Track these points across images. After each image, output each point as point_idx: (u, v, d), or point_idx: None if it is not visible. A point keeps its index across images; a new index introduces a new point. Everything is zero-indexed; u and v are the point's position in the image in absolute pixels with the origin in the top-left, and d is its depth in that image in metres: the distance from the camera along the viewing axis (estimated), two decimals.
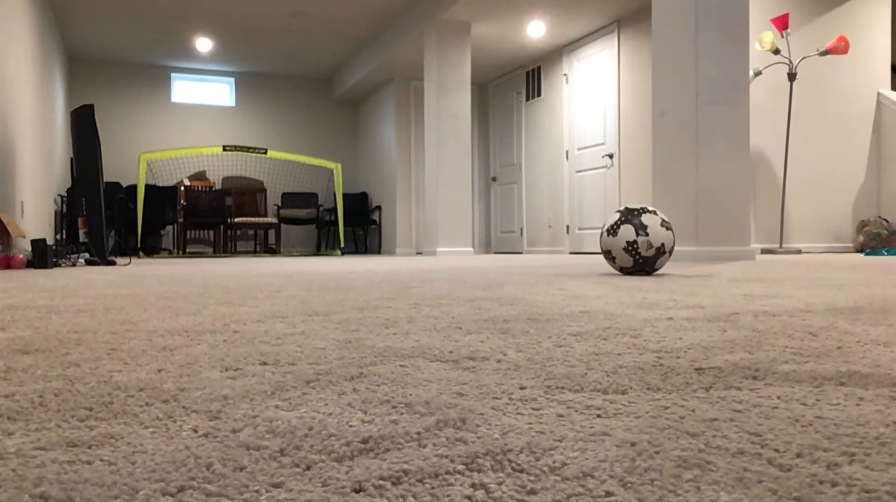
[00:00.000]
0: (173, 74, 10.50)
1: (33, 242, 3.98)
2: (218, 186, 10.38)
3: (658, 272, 2.80)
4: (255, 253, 10.02)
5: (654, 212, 2.64)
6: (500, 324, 1.07)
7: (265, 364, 0.75)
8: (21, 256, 3.99)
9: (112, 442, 0.46)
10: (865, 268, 3.01)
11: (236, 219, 9.28)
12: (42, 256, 3.98)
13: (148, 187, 8.43)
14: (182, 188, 9.18)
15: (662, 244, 2.58)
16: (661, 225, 2.61)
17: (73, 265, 4.48)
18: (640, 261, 2.59)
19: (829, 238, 6.68)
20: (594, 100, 8.03)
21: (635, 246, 2.57)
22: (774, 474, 0.38)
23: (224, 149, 8.17)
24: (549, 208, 8.90)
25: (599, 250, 7.95)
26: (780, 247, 6.07)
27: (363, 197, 10.93)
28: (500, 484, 0.37)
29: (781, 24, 5.94)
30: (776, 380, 0.63)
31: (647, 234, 2.57)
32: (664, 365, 0.72)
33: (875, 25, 6.96)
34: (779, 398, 0.56)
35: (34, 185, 6.38)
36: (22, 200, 5.63)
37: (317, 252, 10.53)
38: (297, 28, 8.66)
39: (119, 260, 5.93)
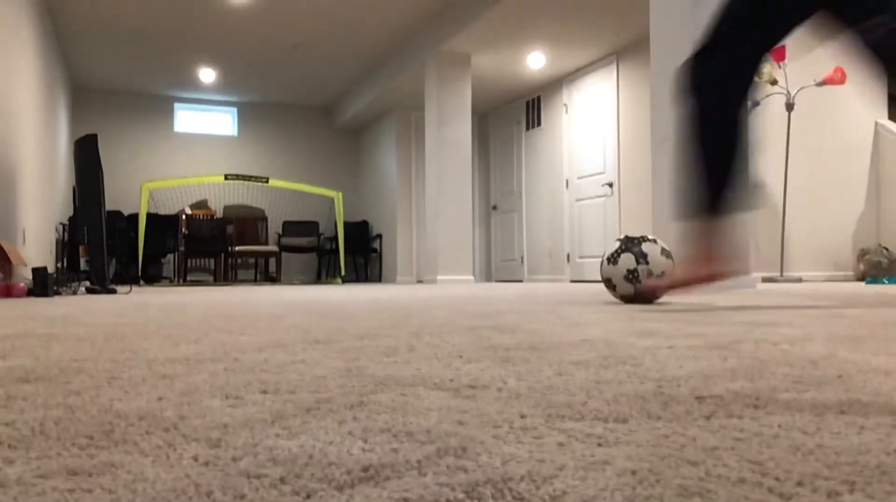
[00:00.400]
0: (176, 104, 10.60)
1: (34, 270, 3.99)
2: (219, 215, 10.42)
3: (659, 300, 2.79)
4: (255, 281, 10.02)
5: (654, 241, 2.65)
6: (500, 353, 1.07)
7: (265, 392, 0.75)
8: (22, 284, 3.99)
9: (113, 470, 0.46)
10: (866, 296, 3.00)
11: (237, 248, 9.29)
12: (43, 284, 3.98)
13: (149, 216, 8.46)
14: (183, 216, 9.21)
15: (663, 272, 2.59)
16: (662, 253, 2.62)
17: (74, 293, 4.48)
18: None
19: (829, 266, 6.68)
20: (594, 129, 8.09)
21: (636, 274, 2.58)
22: None
23: (226, 178, 8.22)
24: (549, 237, 8.92)
25: (600, 279, 7.95)
26: (781, 275, 6.07)
27: (364, 225, 10.95)
28: None
29: (779, 55, 6.01)
30: (777, 409, 0.63)
31: (647, 263, 2.58)
32: (665, 393, 0.72)
33: None
34: (780, 426, 0.56)
35: (36, 214, 6.40)
36: (24, 228, 5.65)
37: (317, 280, 10.52)
38: (299, 59, 8.76)
39: (120, 288, 5.93)
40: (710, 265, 1.96)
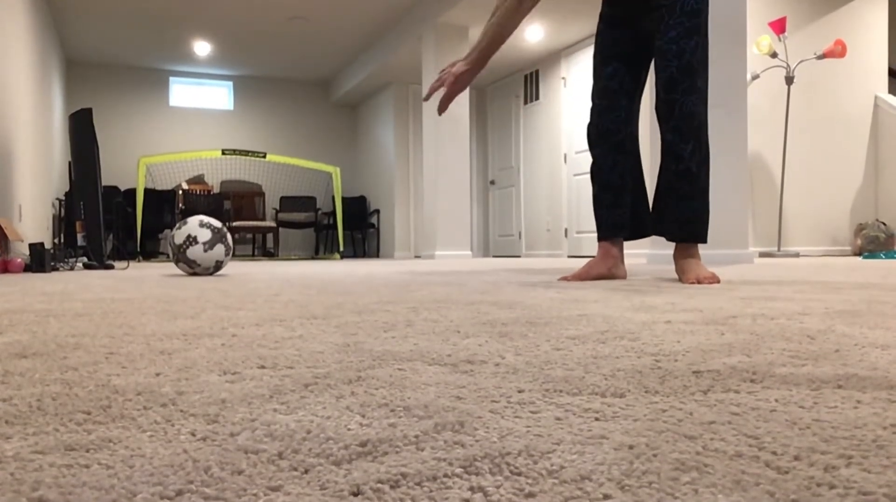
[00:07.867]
0: (172, 78, 10.50)
1: (31, 246, 3.98)
2: (216, 190, 10.38)
3: (655, 275, 2.80)
4: (253, 256, 10.02)
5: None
6: (498, 328, 1.07)
7: (263, 367, 0.75)
8: (19, 260, 3.98)
9: (110, 445, 0.46)
10: (863, 271, 3.01)
11: (234, 223, 9.27)
12: (40, 260, 3.97)
13: (146, 191, 8.43)
14: (180, 192, 9.17)
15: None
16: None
17: (71, 269, 4.47)
18: None
19: (826, 241, 6.69)
20: None
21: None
22: (772, 476, 0.38)
23: (223, 153, 8.17)
24: (547, 212, 8.91)
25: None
26: (778, 250, 6.08)
27: (362, 200, 10.93)
28: (497, 487, 0.37)
29: (779, 27, 5.96)
30: (774, 383, 0.64)
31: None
32: (662, 368, 0.72)
33: (872, 30, 6.98)
34: (776, 401, 0.56)
35: (32, 189, 6.37)
36: (20, 204, 5.63)
37: (315, 256, 10.53)
38: (296, 32, 8.67)
39: (117, 264, 5.92)
40: (600, 267, 2.44)
